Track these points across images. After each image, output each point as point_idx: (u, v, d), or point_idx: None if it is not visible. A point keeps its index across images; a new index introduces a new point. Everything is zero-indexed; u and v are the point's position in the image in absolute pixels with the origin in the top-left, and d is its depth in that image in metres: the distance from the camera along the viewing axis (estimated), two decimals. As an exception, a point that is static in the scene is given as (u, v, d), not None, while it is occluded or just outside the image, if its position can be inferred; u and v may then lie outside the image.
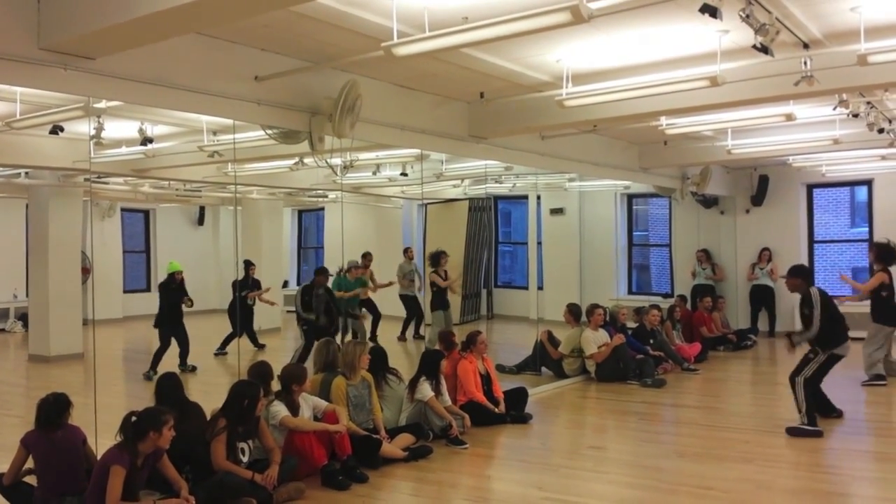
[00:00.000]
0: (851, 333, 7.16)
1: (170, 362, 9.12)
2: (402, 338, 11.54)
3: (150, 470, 4.67)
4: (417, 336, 11.60)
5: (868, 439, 7.03)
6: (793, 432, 6.73)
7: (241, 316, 10.56)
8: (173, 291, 9.79)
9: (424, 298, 11.03)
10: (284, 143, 6.72)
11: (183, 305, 9.78)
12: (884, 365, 9.12)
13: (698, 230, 14.06)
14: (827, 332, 6.87)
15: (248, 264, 10.97)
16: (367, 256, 10.87)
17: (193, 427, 5.24)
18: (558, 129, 8.84)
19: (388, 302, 11.53)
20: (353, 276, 10.39)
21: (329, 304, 9.60)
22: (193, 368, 9.53)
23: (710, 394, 9.28)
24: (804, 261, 13.19)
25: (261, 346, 10.80)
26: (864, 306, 9.43)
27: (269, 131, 6.58)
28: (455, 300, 12.19)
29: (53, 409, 4.81)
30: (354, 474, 5.60)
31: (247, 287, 10.79)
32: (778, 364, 10.67)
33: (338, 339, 9.72)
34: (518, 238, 15.63)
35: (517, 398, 7.74)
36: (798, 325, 8.10)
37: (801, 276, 7.11)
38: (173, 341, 9.63)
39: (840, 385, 8.93)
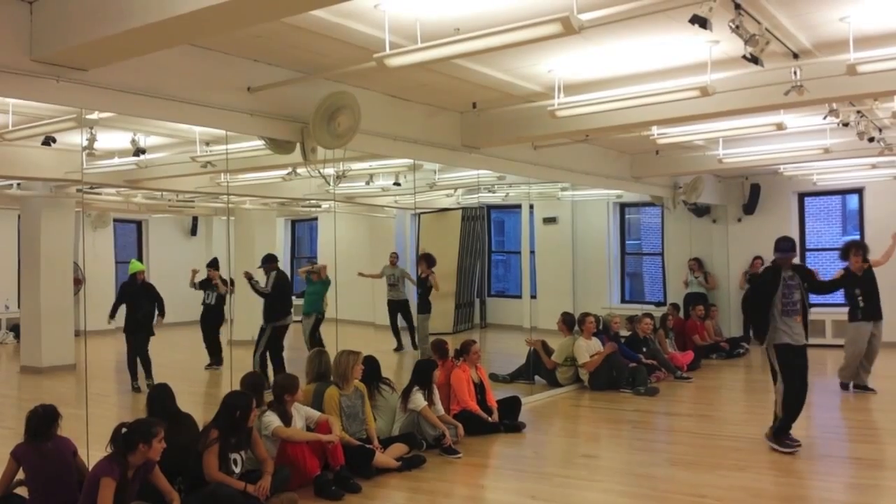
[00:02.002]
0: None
1: (162, 372, 9.05)
2: (398, 348, 11.48)
3: (141, 482, 4.65)
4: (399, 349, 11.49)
5: (860, 447, 7.03)
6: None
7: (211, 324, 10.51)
8: (137, 294, 9.51)
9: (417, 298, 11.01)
10: (277, 153, 6.73)
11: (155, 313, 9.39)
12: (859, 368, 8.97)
13: (690, 239, 14.11)
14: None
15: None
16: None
17: (186, 438, 5.22)
18: (550, 139, 8.88)
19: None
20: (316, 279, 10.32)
21: (284, 288, 9.36)
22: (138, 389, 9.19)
23: (703, 402, 9.29)
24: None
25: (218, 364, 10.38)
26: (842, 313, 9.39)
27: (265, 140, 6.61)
28: (447, 309, 12.18)
29: (42, 421, 4.79)
30: (347, 484, 5.59)
31: (210, 288, 10.60)
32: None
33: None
34: (511, 247, 15.65)
35: (510, 407, 7.74)
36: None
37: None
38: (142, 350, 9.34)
39: (829, 392, 8.99)
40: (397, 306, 11.57)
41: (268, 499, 5.12)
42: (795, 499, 5.48)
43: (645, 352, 10.26)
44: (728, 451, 6.62)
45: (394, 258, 11.65)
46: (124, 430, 4.54)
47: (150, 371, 9.33)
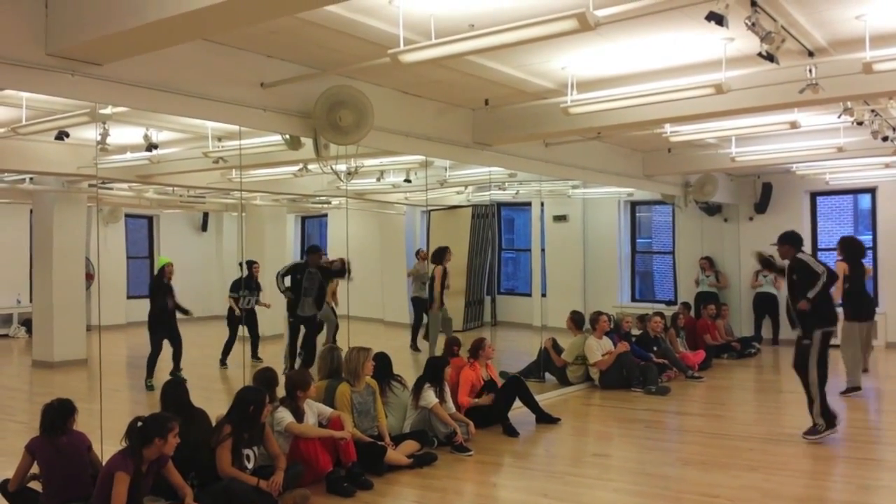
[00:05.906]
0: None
1: (169, 368, 9.06)
2: (414, 347, 11.41)
3: (154, 476, 4.67)
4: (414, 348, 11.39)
5: (874, 447, 7.00)
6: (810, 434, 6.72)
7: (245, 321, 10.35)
8: (164, 289, 9.45)
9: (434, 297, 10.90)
10: (293, 149, 6.76)
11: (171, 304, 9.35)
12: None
13: (702, 238, 14.05)
14: (818, 307, 6.79)
15: (252, 264, 10.81)
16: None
17: (199, 433, 5.23)
18: (562, 137, 8.85)
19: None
20: None
21: (322, 290, 9.41)
22: (183, 380, 9.25)
23: (715, 401, 9.26)
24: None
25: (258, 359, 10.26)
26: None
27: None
28: (458, 306, 12.14)
29: (58, 415, 4.82)
30: (359, 481, 5.59)
31: (251, 289, 10.58)
32: (782, 372, 10.64)
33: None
34: (521, 245, 15.62)
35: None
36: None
37: (790, 243, 7.12)
38: (165, 346, 9.28)
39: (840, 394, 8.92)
40: (424, 304, 11.44)
41: (280, 495, 5.13)
42: (808, 499, 5.45)
43: (656, 351, 10.23)
44: (740, 451, 6.59)
45: (423, 254, 11.56)
46: (140, 424, 4.55)
47: (179, 360, 9.29)
